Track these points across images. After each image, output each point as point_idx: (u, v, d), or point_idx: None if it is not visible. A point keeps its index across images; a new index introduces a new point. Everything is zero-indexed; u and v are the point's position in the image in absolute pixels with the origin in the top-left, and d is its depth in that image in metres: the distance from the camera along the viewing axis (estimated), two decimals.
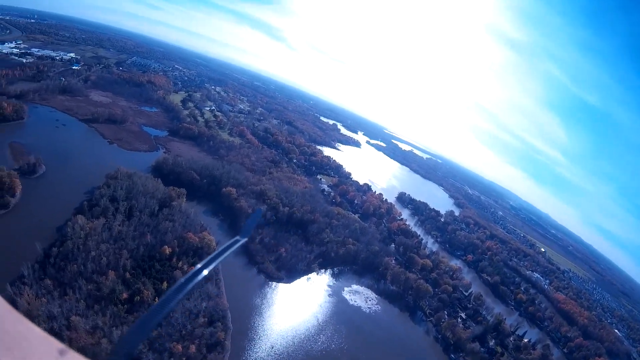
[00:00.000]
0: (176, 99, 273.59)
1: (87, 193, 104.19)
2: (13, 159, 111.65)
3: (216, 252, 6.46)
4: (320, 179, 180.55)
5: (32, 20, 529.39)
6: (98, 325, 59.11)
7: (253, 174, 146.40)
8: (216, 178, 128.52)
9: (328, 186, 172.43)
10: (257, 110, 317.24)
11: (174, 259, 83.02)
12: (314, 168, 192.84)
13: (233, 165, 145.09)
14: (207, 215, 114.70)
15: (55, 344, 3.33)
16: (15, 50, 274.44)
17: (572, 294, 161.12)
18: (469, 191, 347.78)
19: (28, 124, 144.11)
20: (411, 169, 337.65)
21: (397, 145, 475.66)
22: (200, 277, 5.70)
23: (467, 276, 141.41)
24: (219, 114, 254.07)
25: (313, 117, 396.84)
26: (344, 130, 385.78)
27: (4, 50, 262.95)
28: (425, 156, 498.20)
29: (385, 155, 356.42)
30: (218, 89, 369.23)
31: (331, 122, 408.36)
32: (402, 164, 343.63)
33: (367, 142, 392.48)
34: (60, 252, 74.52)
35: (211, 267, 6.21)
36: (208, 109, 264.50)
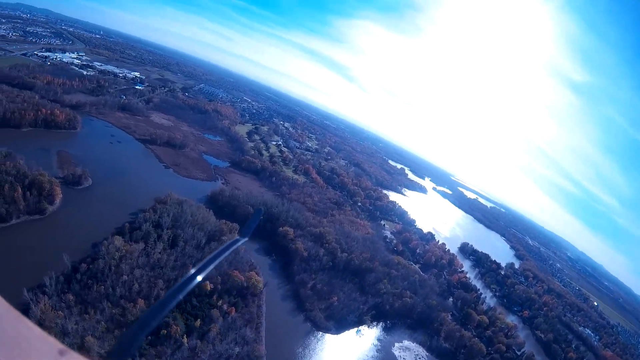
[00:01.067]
0: (242, 130, 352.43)
1: (131, 214, 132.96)
2: (59, 167, 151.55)
3: (215, 253, 11.86)
4: (384, 224, 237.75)
5: (98, 36, 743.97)
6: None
7: (314, 215, 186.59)
8: (274, 215, 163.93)
9: (391, 233, 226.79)
10: (325, 149, 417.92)
11: (215, 297, 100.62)
12: (378, 213, 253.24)
13: (293, 204, 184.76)
14: (259, 254, 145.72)
15: (55, 344, 4.78)
16: (76, 61, 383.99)
17: (618, 349, 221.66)
18: (530, 242, 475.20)
19: (80, 135, 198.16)
20: (475, 217, 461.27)
21: (462, 192, 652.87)
22: (197, 279, 12.42)
23: (522, 333, 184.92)
24: (285, 149, 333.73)
25: (381, 160, 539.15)
26: (411, 175, 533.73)
27: (64, 59, 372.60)
28: (489, 205, 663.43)
29: (450, 203, 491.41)
30: (287, 124, 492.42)
31: (399, 166, 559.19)
32: (467, 212, 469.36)
33: (434, 189, 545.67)
34: (89, 269, 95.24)
35: (209, 269, 12.93)
36: (274, 143, 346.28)
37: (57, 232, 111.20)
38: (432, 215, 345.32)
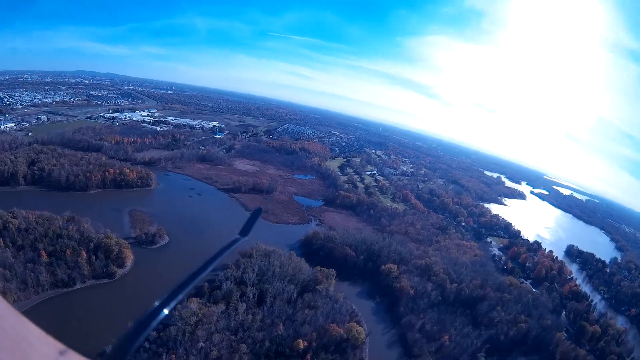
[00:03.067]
0: (333, 165, 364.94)
1: (214, 271, 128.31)
2: (132, 227, 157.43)
3: (214, 254, 8.86)
4: (490, 241, 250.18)
5: (170, 92, 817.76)
6: None
7: (418, 245, 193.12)
8: (374, 253, 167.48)
9: (499, 249, 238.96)
10: (421, 171, 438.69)
11: (308, 356, 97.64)
12: (483, 230, 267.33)
13: (395, 237, 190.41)
14: (361, 298, 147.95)
15: (55, 344, 4.86)
16: (147, 118, 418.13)
17: None
18: (626, 230, 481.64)
19: (156, 192, 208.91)
20: (574, 215, 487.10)
21: (558, 191, 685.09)
22: (197, 280, 7.92)
23: (630, 334, 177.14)
24: (380, 178, 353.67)
25: (477, 172, 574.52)
26: (508, 183, 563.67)
27: (134, 118, 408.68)
28: (584, 198, 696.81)
29: (549, 204, 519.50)
30: (378, 152, 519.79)
31: (495, 175, 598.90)
32: (565, 211, 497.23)
33: (531, 192, 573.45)
34: (160, 336, 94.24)
35: (208, 270, 8.39)
36: (369, 173, 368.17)
37: (125, 296, 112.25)
38: (535, 222, 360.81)
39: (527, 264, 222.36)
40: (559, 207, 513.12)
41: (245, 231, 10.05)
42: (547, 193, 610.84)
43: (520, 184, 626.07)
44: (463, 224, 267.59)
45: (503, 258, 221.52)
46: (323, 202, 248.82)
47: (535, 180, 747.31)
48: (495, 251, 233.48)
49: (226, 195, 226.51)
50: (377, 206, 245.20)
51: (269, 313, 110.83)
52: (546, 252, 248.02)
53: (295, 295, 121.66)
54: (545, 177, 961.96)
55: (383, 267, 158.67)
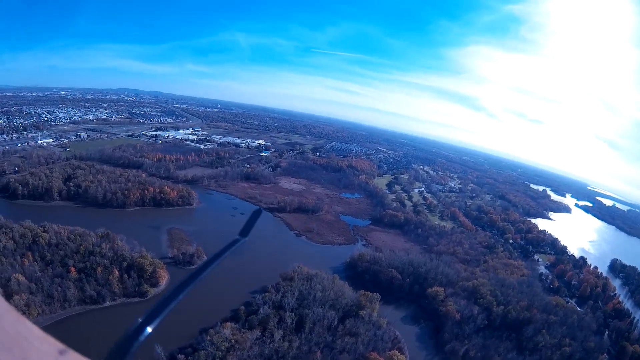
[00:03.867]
0: (381, 182, 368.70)
1: (253, 293, 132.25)
2: (169, 246, 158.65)
3: (214, 254, 12.82)
4: (537, 259, 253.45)
5: (215, 110, 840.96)
6: None
7: (465, 266, 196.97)
8: (421, 275, 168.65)
9: (545, 267, 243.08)
10: (469, 187, 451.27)
11: None
12: (530, 247, 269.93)
13: (443, 258, 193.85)
14: (406, 323, 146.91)
15: (55, 344, 5.13)
16: (191, 137, 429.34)
17: None
18: None
19: (197, 211, 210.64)
20: (617, 227, 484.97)
21: (601, 202, 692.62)
22: (198, 279, 11.91)
23: None
24: (428, 195, 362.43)
25: (523, 185, 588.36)
26: (553, 196, 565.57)
27: (177, 136, 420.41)
28: (626, 208, 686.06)
29: (593, 217, 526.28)
30: (426, 168, 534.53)
31: (540, 188, 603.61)
32: (609, 223, 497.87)
33: (576, 205, 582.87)
34: None
35: (208, 270, 12.50)
36: (417, 190, 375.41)
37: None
38: (580, 236, 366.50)
39: (573, 282, 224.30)
40: (602, 219, 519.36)
41: (245, 232, 13.20)
42: (590, 205, 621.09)
43: (565, 196, 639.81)
44: (510, 241, 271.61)
45: (549, 276, 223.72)
46: (370, 222, 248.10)
47: (579, 191, 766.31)
48: (542, 269, 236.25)
49: (270, 215, 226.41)
50: (425, 225, 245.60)
51: (306, 340, 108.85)
52: (591, 268, 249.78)
53: (336, 321, 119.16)
54: (589, 187, 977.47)
55: (429, 290, 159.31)
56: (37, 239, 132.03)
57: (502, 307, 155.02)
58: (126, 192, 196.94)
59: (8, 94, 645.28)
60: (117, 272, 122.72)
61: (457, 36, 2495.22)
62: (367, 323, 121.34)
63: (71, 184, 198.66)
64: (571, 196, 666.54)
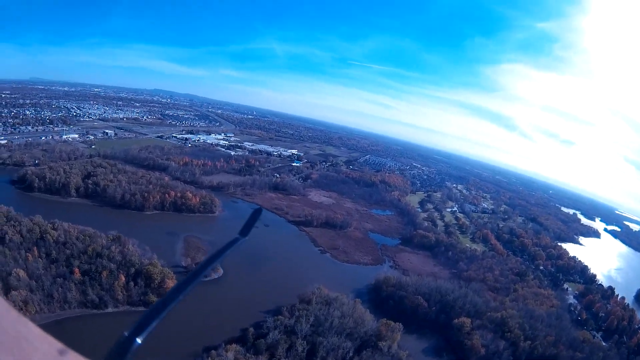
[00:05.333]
0: (414, 200, 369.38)
1: (267, 312, 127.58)
2: (184, 254, 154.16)
3: (214, 253, 8.47)
4: (567, 287, 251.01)
5: (250, 116, 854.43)
6: None
7: (495, 295, 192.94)
8: (448, 304, 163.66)
9: (574, 296, 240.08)
10: (501, 208, 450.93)
11: None
12: (560, 275, 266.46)
13: (472, 285, 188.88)
14: (427, 355, 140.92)
15: (55, 344, 5.07)
16: (222, 142, 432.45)
17: None
18: None
19: (219, 219, 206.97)
20: None
21: (629, 227, 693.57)
22: (198, 280, 7.57)
23: None
24: (460, 215, 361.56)
25: (554, 208, 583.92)
26: (583, 220, 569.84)
27: (208, 141, 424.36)
28: None
29: (621, 243, 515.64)
30: (459, 187, 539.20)
31: (571, 211, 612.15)
32: (635, 249, 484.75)
33: (605, 230, 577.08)
34: None
35: (208, 269, 8.53)
36: (449, 210, 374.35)
37: (156, 328, 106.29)
38: (607, 263, 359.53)
39: (600, 314, 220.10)
40: (629, 245, 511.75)
41: (245, 231, 9.58)
42: (619, 230, 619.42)
43: (594, 220, 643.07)
44: (541, 267, 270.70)
45: (578, 307, 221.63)
46: (400, 241, 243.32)
47: (608, 215, 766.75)
48: (571, 299, 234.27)
49: (296, 229, 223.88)
50: (456, 247, 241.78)
51: None
52: (618, 298, 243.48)
53: (351, 352, 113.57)
54: (617, 212, 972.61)
55: (456, 320, 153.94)
56: (44, 236, 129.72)
57: (529, 342, 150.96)
58: (146, 194, 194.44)
59: (39, 87, 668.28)
60: (123, 278, 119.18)
61: (491, 53, 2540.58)
62: (386, 355, 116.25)
63: (90, 181, 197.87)
64: (600, 220, 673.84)
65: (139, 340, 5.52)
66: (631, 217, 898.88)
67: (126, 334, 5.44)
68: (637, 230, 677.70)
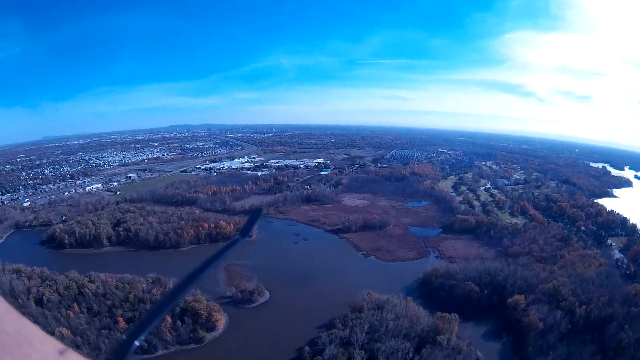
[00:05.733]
0: (446, 185, 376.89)
1: (319, 328, 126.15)
2: (227, 284, 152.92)
3: (214, 253, 8.94)
4: (611, 243, 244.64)
5: (270, 134, 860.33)
6: None
7: (543, 265, 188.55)
8: (499, 284, 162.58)
9: (619, 250, 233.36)
10: (533, 176, 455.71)
11: None
12: (602, 232, 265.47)
13: (519, 260, 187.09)
14: (487, 340, 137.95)
15: (55, 344, 5.24)
16: (247, 165, 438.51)
17: None
18: None
19: (257, 242, 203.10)
20: None
21: None
22: (197, 280, 8.13)
23: None
24: (495, 191, 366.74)
25: (583, 165, 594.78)
26: (613, 171, 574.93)
27: (232, 166, 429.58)
28: None
29: None
30: (488, 163, 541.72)
31: (600, 165, 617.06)
32: None
33: (635, 177, 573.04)
34: None
35: (207, 270, 8.54)
36: (483, 188, 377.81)
37: None
38: None
39: None
40: None
41: (245, 232, 10.45)
42: None
43: (623, 169, 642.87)
44: (582, 228, 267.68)
45: (625, 261, 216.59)
46: (440, 230, 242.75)
47: (636, 162, 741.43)
48: (617, 254, 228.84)
49: (335, 237, 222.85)
50: (497, 225, 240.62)
51: None
52: None
53: (411, 352, 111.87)
54: None
55: (509, 300, 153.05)
56: (82, 290, 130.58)
57: (585, 306, 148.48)
58: (179, 231, 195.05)
59: (54, 145, 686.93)
60: (169, 319, 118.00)
61: (492, 26, 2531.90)
62: (446, 349, 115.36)
63: (120, 228, 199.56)
64: (629, 168, 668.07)
65: (137, 343, 5.58)
66: None
67: (124, 336, 5.48)
68: None
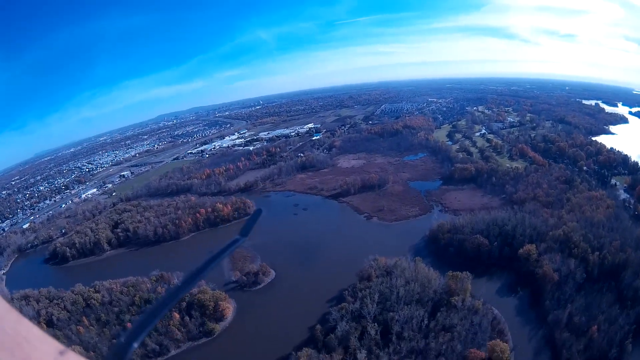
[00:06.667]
0: (441, 135, 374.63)
1: (329, 302, 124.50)
2: (232, 268, 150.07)
3: (214, 254, 8.10)
4: (615, 183, 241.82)
5: (258, 107, 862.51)
6: None
7: (550, 211, 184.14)
8: (508, 234, 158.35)
9: (624, 190, 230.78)
10: (527, 118, 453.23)
11: None
12: (605, 171, 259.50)
13: (526, 207, 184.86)
14: (502, 295, 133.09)
15: (55, 344, 5.15)
16: (238, 141, 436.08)
17: None
18: None
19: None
20: None
21: None
22: (196, 281, 7.58)
23: None
24: (491, 136, 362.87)
25: (576, 103, 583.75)
26: (607, 108, 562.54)
27: (224, 145, 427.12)
28: None
29: None
30: (480, 108, 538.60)
31: (592, 102, 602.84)
32: None
33: (630, 113, 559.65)
34: None
35: (206, 271, 7.81)
36: (478, 134, 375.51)
37: (223, 355, 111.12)
38: None
39: None
40: None
41: (245, 231, 9.76)
42: None
43: (617, 106, 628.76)
44: (585, 168, 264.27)
45: (632, 202, 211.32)
46: (441, 181, 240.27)
47: (628, 98, 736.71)
48: (622, 194, 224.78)
49: (335, 203, 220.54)
50: (498, 171, 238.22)
51: (395, 352, 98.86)
52: None
53: (426, 319, 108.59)
54: (634, 92, 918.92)
55: (521, 250, 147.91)
56: (89, 302, 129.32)
57: (598, 252, 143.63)
58: (177, 221, 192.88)
59: (45, 159, 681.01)
60: (176, 316, 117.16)
61: None
62: (462, 310, 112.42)
63: (119, 230, 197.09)
64: (622, 104, 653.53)
65: (135, 345, 5.47)
66: None
67: (123, 339, 5.40)
68: None
